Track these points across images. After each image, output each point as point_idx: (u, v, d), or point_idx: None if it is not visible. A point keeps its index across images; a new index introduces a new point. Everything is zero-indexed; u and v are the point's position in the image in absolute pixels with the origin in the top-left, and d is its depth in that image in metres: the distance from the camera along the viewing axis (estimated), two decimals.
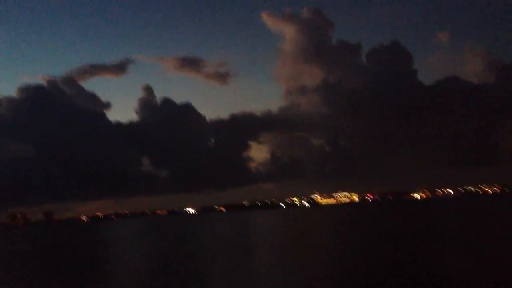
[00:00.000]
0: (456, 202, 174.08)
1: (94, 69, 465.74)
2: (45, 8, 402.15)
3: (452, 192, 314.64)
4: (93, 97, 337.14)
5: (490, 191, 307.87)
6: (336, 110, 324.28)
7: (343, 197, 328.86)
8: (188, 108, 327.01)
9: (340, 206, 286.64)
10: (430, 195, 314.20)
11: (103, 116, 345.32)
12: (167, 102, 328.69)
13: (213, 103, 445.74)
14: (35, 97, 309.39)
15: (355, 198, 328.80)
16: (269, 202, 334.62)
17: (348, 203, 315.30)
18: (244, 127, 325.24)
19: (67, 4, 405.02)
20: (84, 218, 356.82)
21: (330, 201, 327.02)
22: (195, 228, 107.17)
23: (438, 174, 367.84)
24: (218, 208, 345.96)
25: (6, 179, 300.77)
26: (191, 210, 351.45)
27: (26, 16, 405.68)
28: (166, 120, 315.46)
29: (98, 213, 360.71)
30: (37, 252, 64.04)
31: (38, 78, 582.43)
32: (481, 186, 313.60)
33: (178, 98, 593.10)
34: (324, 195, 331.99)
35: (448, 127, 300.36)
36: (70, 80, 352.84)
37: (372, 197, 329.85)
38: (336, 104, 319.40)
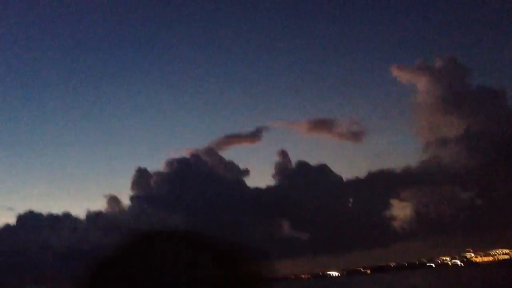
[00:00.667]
0: None
1: (232, 139, 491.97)
2: (183, 86, 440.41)
3: None
4: (231, 165, 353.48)
5: None
6: (482, 160, 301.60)
7: (501, 253, 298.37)
8: (323, 169, 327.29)
9: (498, 263, 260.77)
10: None
11: (243, 182, 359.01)
12: (302, 164, 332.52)
13: (349, 163, 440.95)
14: (181, 170, 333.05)
15: None
16: (417, 262, 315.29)
17: (508, 259, 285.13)
18: (383, 184, 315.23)
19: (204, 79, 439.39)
20: None
21: (486, 258, 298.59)
22: None
23: None
24: (363, 270, 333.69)
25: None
26: (334, 273, 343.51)
27: (168, 96, 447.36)
28: (303, 182, 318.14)
29: None
30: None
31: (182, 151, 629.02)
32: None
33: (313, 159, 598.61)
34: (479, 252, 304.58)
35: None
36: (211, 151, 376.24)
37: None
38: (482, 153, 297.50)
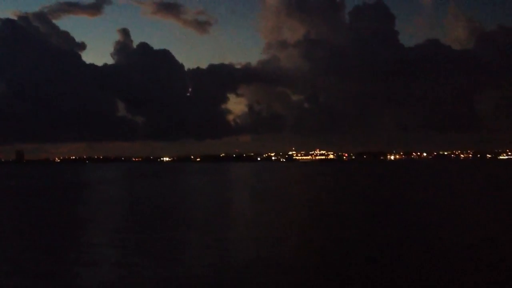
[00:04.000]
0: (428, 164, 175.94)
1: (68, 7, 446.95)
2: None
3: (425, 155, 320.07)
4: (66, 36, 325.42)
5: (462, 156, 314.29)
6: (317, 67, 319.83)
7: (319, 155, 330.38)
8: (165, 55, 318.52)
9: (316, 161, 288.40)
10: (405, 157, 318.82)
11: (78, 56, 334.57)
12: (144, 46, 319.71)
13: (192, 52, 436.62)
14: (7, 32, 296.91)
15: (331, 156, 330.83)
16: (245, 155, 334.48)
17: (324, 160, 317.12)
18: (223, 78, 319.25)
19: None
20: (56, 159, 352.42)
21: (306, 157, 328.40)
22: (170, 175, 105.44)
23: (415, 137, 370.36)
24: (194, 158, 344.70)
25: None
26: (166, 159, 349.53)
27: None
28: (143, 66, 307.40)
29: (72, 156, 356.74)
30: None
31: (8, 13, 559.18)
32: (456, 152, 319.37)
33: (156, 43, 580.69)
34: (301, 152, 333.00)
35: (427, 91, 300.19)
36: (43, 17, 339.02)
37: (347, 156, 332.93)
38: (317, 60, 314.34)
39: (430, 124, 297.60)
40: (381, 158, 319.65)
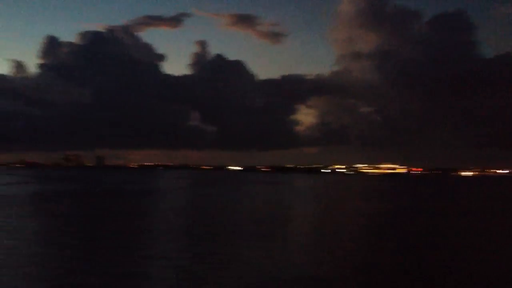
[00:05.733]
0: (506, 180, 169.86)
1: (151, 21, 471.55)
2: None
3: (501, 172, 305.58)
4: (148, 48, 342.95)
5: None
6: (388, 79, 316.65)
7: (387, 168, 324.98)
8: (239, 65, 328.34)
9: (383, 175, 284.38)
10: (479, 173, 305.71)
11: (158, 67, 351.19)
12: (220, 58, 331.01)
13: (265, 63, 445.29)
14: (95, 44, 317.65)
15: (400, 170, 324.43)
16: (311, 167, 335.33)
17: (392, 174, 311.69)
18: (294, 89, 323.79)
19: None
20: (132, 165, 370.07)
21: (374, 171, 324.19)
22: (237, 183, 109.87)
23: (489, 154, 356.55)
24: (261, 168, 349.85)
25: (64, 122, 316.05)
26: (234, 168, 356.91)
27: None
28: (217, 76, 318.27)
29: (147, 163, 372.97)
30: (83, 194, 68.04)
31: (96, 26, 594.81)
32: None
33: (231, 55, 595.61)
34: (369, 165, 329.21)
35: (506, 106, 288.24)
36: (127, 30, 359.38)
37: (416, 171, 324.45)
38: (388, 72, 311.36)
39: (506, 141, 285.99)
40: (452, 174, 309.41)
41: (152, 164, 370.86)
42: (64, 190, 69.47)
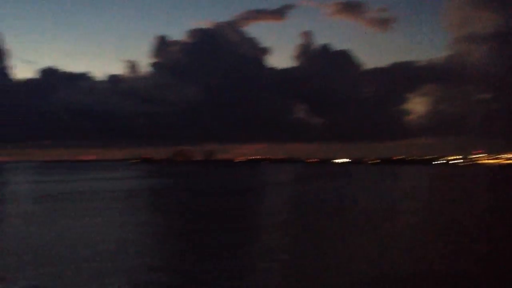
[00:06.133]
0: None
1: (255, 14, 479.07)
2: None
3: None
4: (252, 42, 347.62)
5: None
6: (508, 63, 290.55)
7: (507, 158, 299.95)
8: (346, 55, 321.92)
9: (503, 166, 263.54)
10: None
11: (262, 61, 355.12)
12: (326, 48, 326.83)
13: (373, 50, 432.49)
14: (202, 41, 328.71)
15: None
16: (425, 158, 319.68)
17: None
18: (404, 77, 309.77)
19: None
20: (239, 159, 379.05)
21: (493, 161, 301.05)
22: (346, 176, 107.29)
23: None
24: (369, 161, 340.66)
25: (176, 118, 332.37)
26: (342, 160, 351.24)
27: None
28: (323, 68, 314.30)
29: (253, 157, 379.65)
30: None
31: (204, 23, 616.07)
32: None
33: (337, 44, 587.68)
34: (487, 154, 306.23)
35: None
36: (233, 25, 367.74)
37: None
38: (509, 56, 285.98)
39: None
40: None
41: (259, 157, 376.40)
42: (173, 185, 71.78)
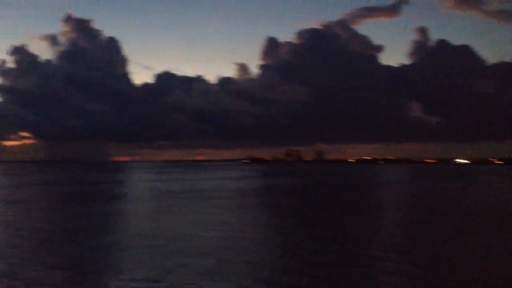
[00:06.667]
0: None
1: (367, 12, 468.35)
2: None
3: None
4: (364, 40, 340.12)
5: None
6: None
7: None
8: (465, 50, 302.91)
9: None
10: None
11: (375, 59, 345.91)
12: (443, 44, 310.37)
13: (495, 44, 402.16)
14: (312, 42, 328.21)
15: None
16: None
17: None
18: None
19: None
20: (351, 159, 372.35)
21: None
22: (466, 179, 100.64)
23: None
24: (492, 160, 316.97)
25: (286, 119, 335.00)
26: (461, 161, 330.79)
27: None
28: (441, 64, 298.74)
29: (366, 157, 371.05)
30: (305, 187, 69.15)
31: (313, 23, 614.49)
32: None
33: (455, 39, 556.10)
34: None
35: None
36: (343, 24, 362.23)
37: None
38: None
39: None
40: None
41: (370, 158, 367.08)
42: (288, 184, 71.76)
